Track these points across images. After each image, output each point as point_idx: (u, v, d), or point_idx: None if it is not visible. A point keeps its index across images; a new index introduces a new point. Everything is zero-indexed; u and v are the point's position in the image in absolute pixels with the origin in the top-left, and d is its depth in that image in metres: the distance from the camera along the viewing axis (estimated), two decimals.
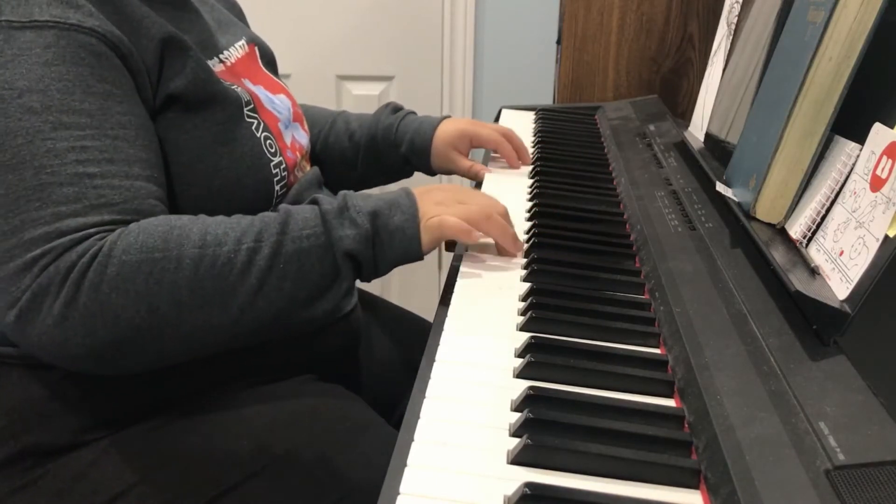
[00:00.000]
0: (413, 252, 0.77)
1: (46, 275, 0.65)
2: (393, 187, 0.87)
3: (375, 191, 0.84)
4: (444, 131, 1.10)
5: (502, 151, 1.13)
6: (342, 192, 0.77)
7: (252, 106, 0.87)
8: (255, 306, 0.70)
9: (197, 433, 0.78)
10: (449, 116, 1.14)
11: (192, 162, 0.80)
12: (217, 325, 0.69)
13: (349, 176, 1.14)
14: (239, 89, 0.87)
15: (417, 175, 1.16)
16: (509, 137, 1.14)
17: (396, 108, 1.15)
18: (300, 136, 0.99)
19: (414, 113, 1.15)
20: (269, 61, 1.04)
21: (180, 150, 0.79)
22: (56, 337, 0.66)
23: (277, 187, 0.87)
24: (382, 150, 1.12)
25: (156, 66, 0.78)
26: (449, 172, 1.12)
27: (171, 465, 0.76)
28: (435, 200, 0.79)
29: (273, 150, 0.88)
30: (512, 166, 1.13)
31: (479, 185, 1.08)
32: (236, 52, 0.95)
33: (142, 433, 0.78)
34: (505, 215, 0.83)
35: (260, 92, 0.93)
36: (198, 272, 0.68)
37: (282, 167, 0.89)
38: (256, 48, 1.01)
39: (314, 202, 0.77)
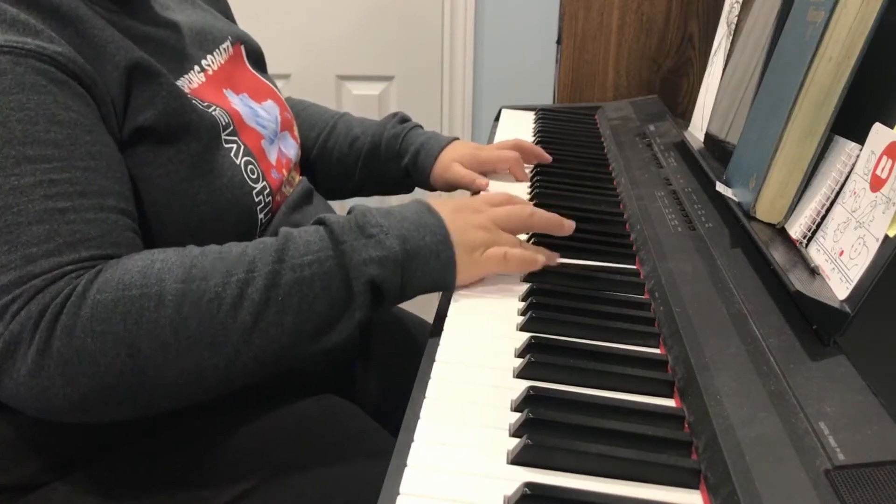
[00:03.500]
0: (447, 278, 0.70)
1: (18, 321, 0.59)
2: (392, 200, 0.84)
3: (374, 202, 0.79)
4: (453, 152, 1.06)
5: (514, 169, 1.07)
6: (357, 208, 0.70)
7: (231, 128, 0.82)
8: (251, 345, 0.63)
9: (184, 454, 0.75)
10: (457, 138, 1.10)
11: (167, 199, 0.74)
12: (210, 368, 0.63)
13: (345, 183, 1.12)
14: (217, 111, 0.81)
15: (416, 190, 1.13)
16: (521, 149, 1.09)
17: (404, 119, 1.11)
18: (288, 148, 0.94)
19: (421, 126, 1.12)
20: (257, 60, 1.00)
21: (154, 187, 0.73)
22: (33, 388, 0.60)
23: (261, 215, 0.82)
24: (384, 160, 1.08)
25: (122, 96, 0.72)
26: (448, 188, 1.08)
27: (158, 487, 0.73)
28: (473, 224, 0.72)
29: (255, 176, 0.82)
30: (520, 180, 1.08)
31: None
32: (219, 56, 0.90)
33: (127, 458, 0.75)
34: (532, 219, 0.78)
35: (243, 104, 0.88)
36: (181, 310, 0.61)
37: (265, 192, 0.83)
38: (242, 47, 0.97)
39: (320, 222, 0.69)
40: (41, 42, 0.67)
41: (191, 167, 0.76)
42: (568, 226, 0.79)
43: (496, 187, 1.06)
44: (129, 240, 0.67)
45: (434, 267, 0.69)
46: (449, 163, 1.05)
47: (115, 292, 0.61)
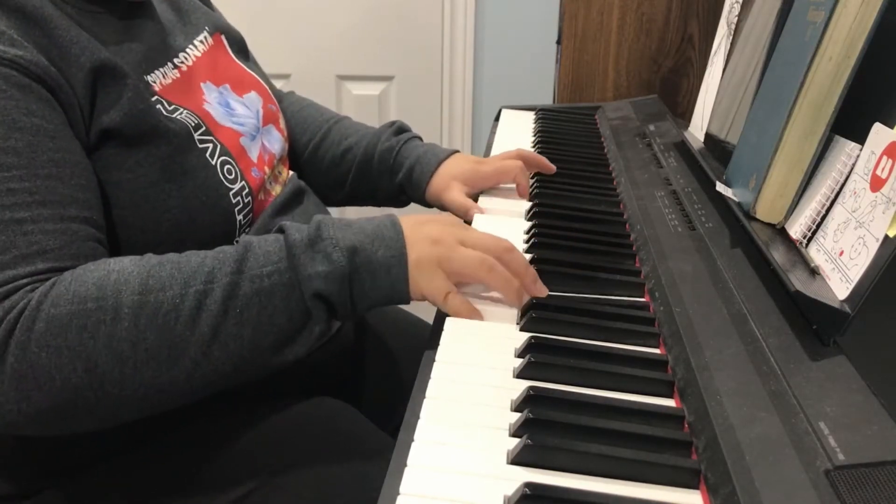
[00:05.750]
0: (398, 294, 0.67)
1: None
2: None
3: (358, 213, 0.76)
4: (452, 168, 0.99)
5: (519, 179, 1.00)
6: (316, 218, 0.67)
7: (203, 129, 0.79)
8: (210, 358, 0.62)
9: (180, 459, 0.75)
10: (458, 151, 1.03)
11: (137, 203, 0.72)
12: (169, 381, 0.61)
13: (336, 193, 1.06)
14: (184, 113, 0.78)
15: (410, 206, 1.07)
16: (524, 158, 1.02)
17: (401, 129, 1.05)
18: (272, 142, 0.91)
19: (419, 138, 1.05)
20: (241, 48, 0.96)
21: (123, 191, 0.71)
22: None
23: (240, 217, 0.80)
24: (376, 174, 1.03)
25: (87, 97, 0.70)
26: (443, 209, 0.99)
27: (155, 493, 0.73)
28: (430, 237, 0.68)
29: (232, 176, 0.80)
30: (522, 195, 1.00)
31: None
32: (196, 49, 0.87)
33: (123, 464, 0.75)
34: (511, 250, 0.72)
35: (219, 101, 0.85)
36: (138, 323, 0.60)
37: (244, 193, 0.81)
38: (223, 37, 0.93)
39: (281, 230, 0.67)
40: (2, 46, 0.65)
41: (161, 170, 0.73)
42: (520, 302, 0.71)
43: (493, 204, 1.00)
44: (91, 250, 0.65)
45: (384, 281, 0.66)
46: (448, 180, 0.98)
47: (70, 305, 0.59)
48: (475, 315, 0.70)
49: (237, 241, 0.68)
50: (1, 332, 0.58)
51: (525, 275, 0.72)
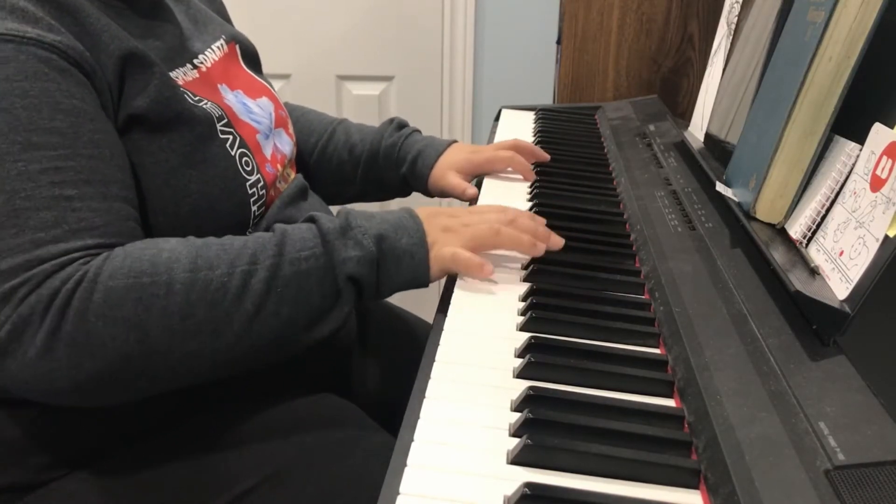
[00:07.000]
0: (420, 278, 0.74)
1: (27, 304, 0.61)
2: (392, 205, 0.84)
3: (373, 206, 0.81)
4: (449, 158, 1.06)
5: (515, 166, 1.07)
6: (343, 210, 0.74)
7: (226, 120, 0.82)
8: (251, 333, 0.66)
9: (182, 455, 0.75)
10: (455, 141, 1.10)
11: (158, 187, 0.75)
12: (210, 353, 0.65)
13: (346, 189, 1.12)
14: (209, 104, 0.81)
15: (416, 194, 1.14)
16: (519, 149, 1.09)
17: (401, 125, 1.11)
18: (283, 144, 0.94)
19: (418, 131, 1.12)
20: (252, 59, 0.99)
21: (146, 175, 0.74)
22: (39, 369, 0.61)
23: (254, 208, 0.83)
24: (383, 169, 1.09)
25: (116, 84, 0.73)
26: (444, 194, 1.08)
27: (156, 489, 0.73)
28: (441, 226, 0.76)
29: (249, 168, 0.83)
30: (526, 178, 1.07)
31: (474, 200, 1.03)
32: (213, 54, 0.90)
33: (125, 460, 0.75)
34: (515, 219, 0.79)
35: (237, 100, 0.88)
36: (189, 297, 0.64)
37: (259, 185, 0.84)
38: (237, 46, 0.97)
39: (311, 220, 0.73)
40: (41, 31, 0.67)
41: (183, 157, 0.76)
42: (538, 250, 0.79)
43: (498, 182, 1.06)
44: (130, 230, 0.69)
45: (408, 266, 0.73)
46: (445, 171, 1.05)
47: (127, 279, 0.63)
48: (485, 268, 0.76)
49: (250, 232, 0.71)
50: (59, 301, 0.61)
51: (535, 231, 0.79)
